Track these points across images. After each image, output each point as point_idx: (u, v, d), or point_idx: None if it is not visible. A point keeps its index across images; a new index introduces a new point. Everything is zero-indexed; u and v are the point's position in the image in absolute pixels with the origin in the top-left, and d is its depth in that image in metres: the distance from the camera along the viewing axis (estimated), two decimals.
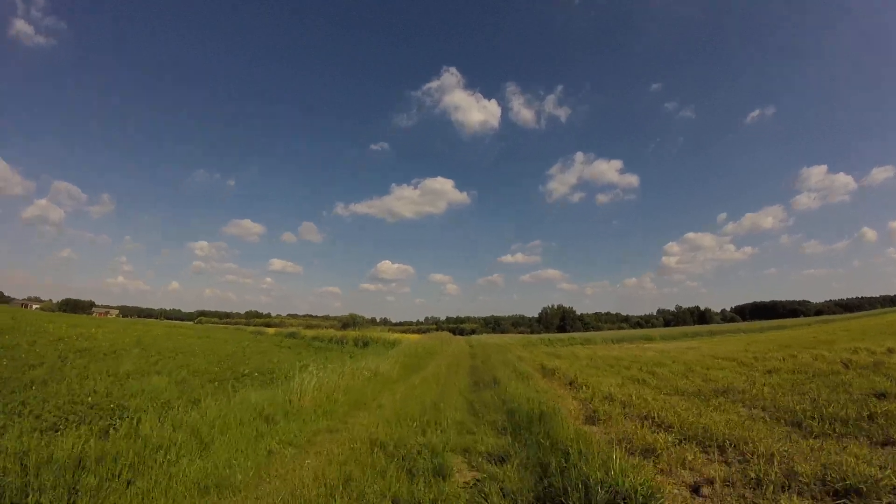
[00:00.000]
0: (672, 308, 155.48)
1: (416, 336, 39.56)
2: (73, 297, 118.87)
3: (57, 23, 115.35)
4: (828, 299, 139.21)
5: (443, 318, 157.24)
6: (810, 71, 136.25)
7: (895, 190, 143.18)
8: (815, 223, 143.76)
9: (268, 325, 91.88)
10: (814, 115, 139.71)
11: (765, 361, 15.07)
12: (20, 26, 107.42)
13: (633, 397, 9.45)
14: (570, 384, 12.27)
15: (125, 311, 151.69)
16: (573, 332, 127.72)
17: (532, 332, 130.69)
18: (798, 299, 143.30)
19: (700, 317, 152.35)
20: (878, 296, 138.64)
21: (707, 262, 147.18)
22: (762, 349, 20.38)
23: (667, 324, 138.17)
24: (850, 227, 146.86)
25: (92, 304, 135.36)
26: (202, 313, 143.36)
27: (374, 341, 28.23)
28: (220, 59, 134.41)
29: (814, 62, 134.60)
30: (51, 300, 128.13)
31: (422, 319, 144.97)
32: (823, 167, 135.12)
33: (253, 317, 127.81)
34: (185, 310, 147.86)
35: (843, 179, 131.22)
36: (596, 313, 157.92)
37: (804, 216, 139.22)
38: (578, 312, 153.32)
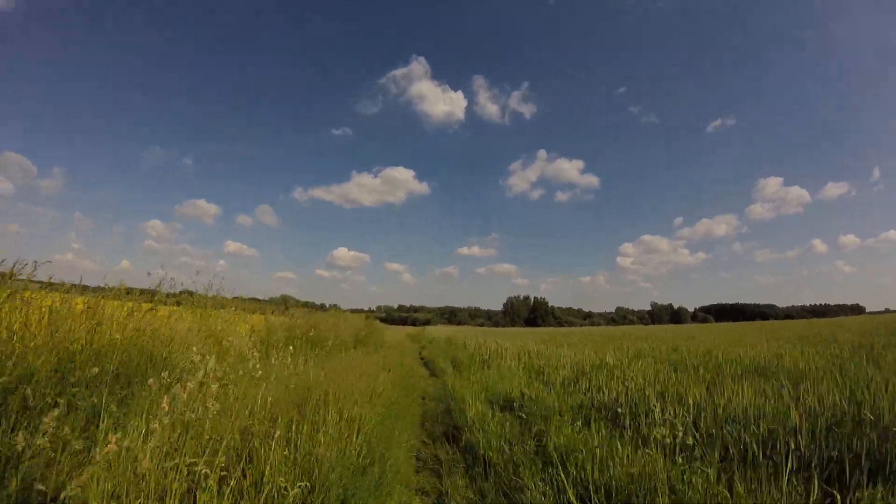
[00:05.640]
0: (626, 306, 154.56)
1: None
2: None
3: None
4: (788, 305, 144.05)
5: (395, 306, 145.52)
6: (771, 84, 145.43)
7: (848, 205, 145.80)
8: (767, 233, 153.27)
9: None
10: (772, 128, 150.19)
11: None
12: None
13: None
14: None
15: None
16: (545, 326, 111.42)
17: (495, 326, 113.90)
18: (757, 303, 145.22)
19: (674, 316, 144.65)
20: (833, 304, 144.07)
21: (661, 264, 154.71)
22: None
23: (651, 321, 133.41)
24: (802, 238, 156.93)
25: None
26: (128, 291, 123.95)
27: None
28: (180, 34, 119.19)
29: (776, 76, 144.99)
30: None
31: (374, 308, 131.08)
32: (779, 179, 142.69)
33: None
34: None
35: (798, 192, 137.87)
36: (561, 307, 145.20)
37: (757, 225, 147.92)
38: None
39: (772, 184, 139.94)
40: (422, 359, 16.73)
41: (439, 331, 39.26)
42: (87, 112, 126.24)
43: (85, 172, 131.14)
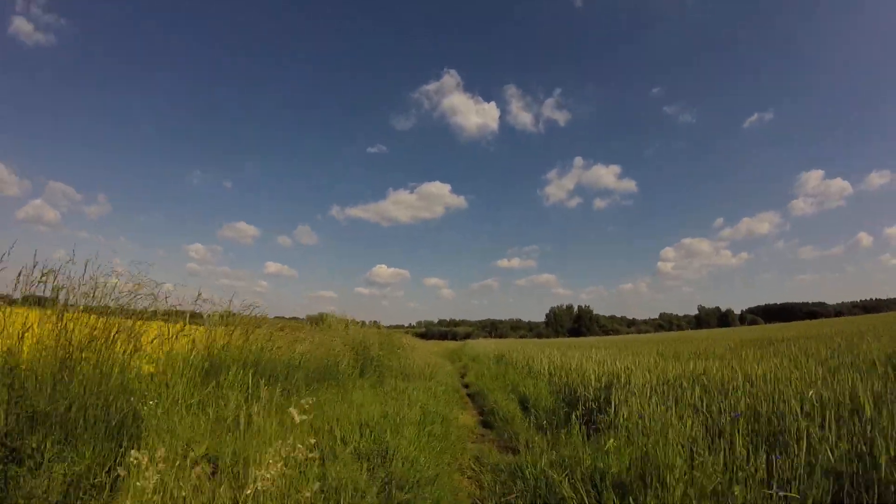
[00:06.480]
0: (673, 312, 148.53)
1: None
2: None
3: (57, 20, 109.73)
4: (836, 302, 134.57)
5: (435, 320, 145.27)
6: (808, 75, 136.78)
7: (892, 194, 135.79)
8: (810, 229, 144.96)
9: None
10: (812, 120, 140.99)
11: None
12: (19, 23, 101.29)
13: None
14: None
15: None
16: (590, 335, 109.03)
17: (537, 337, 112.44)
18: (804, 301, 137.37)
19: (721, 319, 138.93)
20: (885, 298, 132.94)
21: (703, 267, 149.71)
22: None
23: (697, 325, 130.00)
24: (846, 232, 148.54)
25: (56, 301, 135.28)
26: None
27: None
28: (219, 57, 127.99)
29: (812, 67, 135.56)
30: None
31: (414, 323, 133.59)
32: (820, 172, 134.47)
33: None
34: None
35: (840, 184, 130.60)
36: (604, 316, 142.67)
37: (800, 221, 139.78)
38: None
39: (813, 177, 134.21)
40: (465, 386, 13.10)
41: (483, 345, 35.37)
42: (128, 139, 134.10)
43: (128, 198, 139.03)
